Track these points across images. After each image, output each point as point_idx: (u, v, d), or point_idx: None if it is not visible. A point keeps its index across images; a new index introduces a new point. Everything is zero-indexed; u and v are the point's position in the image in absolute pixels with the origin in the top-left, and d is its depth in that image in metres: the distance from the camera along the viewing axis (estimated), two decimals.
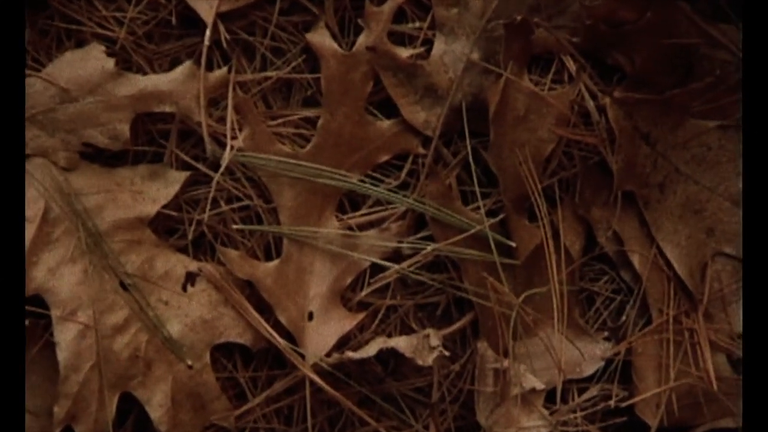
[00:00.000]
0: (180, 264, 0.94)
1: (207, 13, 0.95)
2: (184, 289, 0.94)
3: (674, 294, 0.98)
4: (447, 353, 0.91)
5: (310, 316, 0.96)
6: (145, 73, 0.95)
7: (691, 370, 0.97)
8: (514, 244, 0.95)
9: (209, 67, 0.96)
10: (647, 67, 0.95)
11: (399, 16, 0.97)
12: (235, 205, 0.97)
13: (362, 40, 0.96)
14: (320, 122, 0.96)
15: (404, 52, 0.97)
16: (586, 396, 0.99)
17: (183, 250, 0.96)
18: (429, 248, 0.96)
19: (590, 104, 0.97)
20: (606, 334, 1.00)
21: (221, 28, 0.96)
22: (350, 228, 0.97)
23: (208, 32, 0.95)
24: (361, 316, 0.97)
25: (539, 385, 0.95)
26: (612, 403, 0.98)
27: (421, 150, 0.98)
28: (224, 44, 0.96)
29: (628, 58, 0.97)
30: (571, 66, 0.98)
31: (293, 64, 0.98)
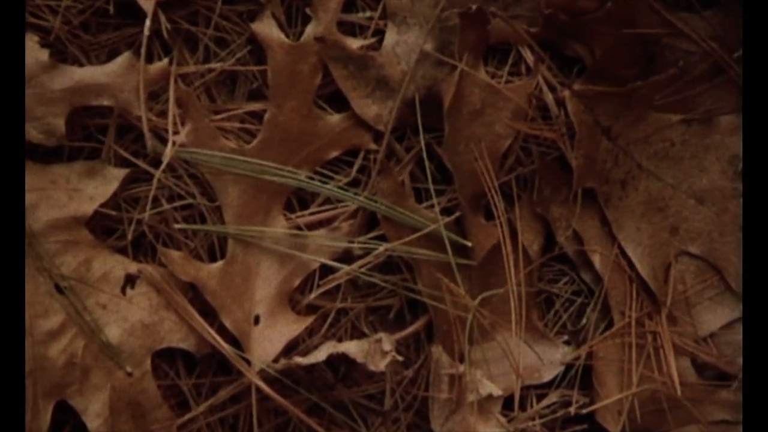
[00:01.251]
0: (119, 266, 0.96)
1: (146, 2, 0.97)
2: (124, 292, 0.96)
3: (636, 295, 1.01)
4: (400, 358, 0.93)
5: (257, 320, 0.98)
6: (81, 65, 0.97)
7: (654, 375, 0.99)
8: (469, 244, 0.98)
9: (149, 59, 0.98)
10: (608, 59, 0.98)
11: (349, 5, 1.00)
12: (177, 204, 0.99)
13: (310, 30, 0.98)
14: (267, 116, 0.98)
15: (355, 43, 0.99)
16: (545, 402, 1.01)
17: (122, 251, 0.98)
18: (381, 248, 0.98)
19: (549, 97, 0.99)
20: (566, 337, 1.02)
21: (162, 17, 0.97)
22: (298, 227, 0.99)
23: (147, 22, 0.96)
24: (310, 319, 0.99)
25: (496, 392, 0.97)
26: (572, 409, 1.01)
27: (372, 145, 1.00)
28: (165, 34, 0.98)
29: (588, 49, 1.00)
30: (529, 57, 1.00)
31: (238, 55, 1.00)
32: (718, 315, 1.01)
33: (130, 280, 0.96)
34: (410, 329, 1.01)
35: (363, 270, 0.99)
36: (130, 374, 0.95)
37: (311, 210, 1.00)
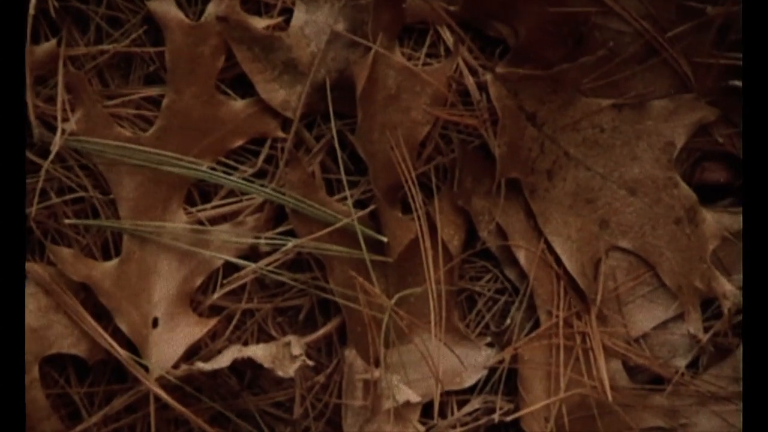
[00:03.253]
0: None
1: None
2: None
3: (564, 294, 1.04)
4: (311, 363, 0.96)
5: (155, 323, 1.00)
6: None
7: (584, 379, 1.03)
8: (385, 239, 1.01)
9: (35, 40, 0.99)
10: (533, 39, 1.00)
11: None
12: (68, 197, 1.01)
13: (212, 9, 1.00)
14: (165, 102, 1.01)
15: (260, 23, 1.01)
16: (466, 409, 1.04)
17: None
18: (290, 244, 1.01)
19: (470, 81, 1.02)
20: (489, 339, 1.05)
21: None
22: (200, 222, 1.02)
23: None
24: (213, 321, 1.01)
25: (414, 398, 1.00)
26: (496, 416, 1.04)
27: (280, 133, 1.03)
28: (53, 13, 0.98)
29: (511, 29, 1.03)
30: (448, 38, 1.03)
31: (133, 36, 1.02)
32: (651, 314, 1.05)
33: None
34: (321, 331, 1.04)
35: (270, 268, 1.02)
36: None
37: (214, 203, 1.03)
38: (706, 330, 1.04)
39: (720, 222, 1.04)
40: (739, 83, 1.00)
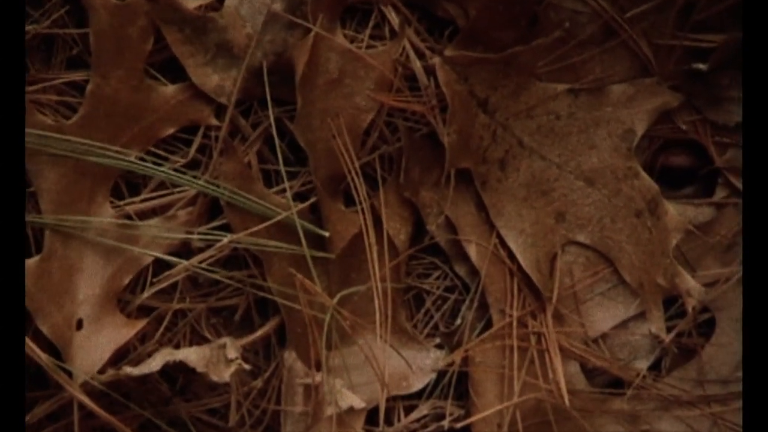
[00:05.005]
0: None
1: None
2: None
3: (518, 291, 1.06)
4: (247, 367, 0.97)
5: (79, 325, 1.02)
6: None
7: (539, 382, 1.05)
8: (327, 234, 1.03)
9: None
10: (484, 20, 1.02)
11: None
12: None
13: None
14: (89, 88, 1.02)
15: (191, 2, 1.02)
16: (414, 415, 1.06)
17: None
18: (225, 240, 1.02)
19: (417, 65, 1.04)
20: (438, 340, 1.07)
21: None
22: (128, 216, 1.04)
23: None
24: (141, 323, 1.03)
25: (358, 403, 1.01)
26: (445, 423, 1.06)
27: (213, 121, 1.04)
28: None
29: (461, 9, 1.04)
30: (394, 19, 1.05)
31: (54, 16, 1.03)
32: (610, 313, 1.07)
33: None
34: (259, 333, 1.06)
35: (204, 265, 1.03)
36: None
37: (143, 196, 1.05)
38: (668, 330, 1.06)
39: (683, 214, 1.06)
40: (702, 66, 1.02)
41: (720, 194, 1.07)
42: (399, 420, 1.06)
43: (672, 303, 1.07)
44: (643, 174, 1.05)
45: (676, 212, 1.06)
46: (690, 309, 1.05)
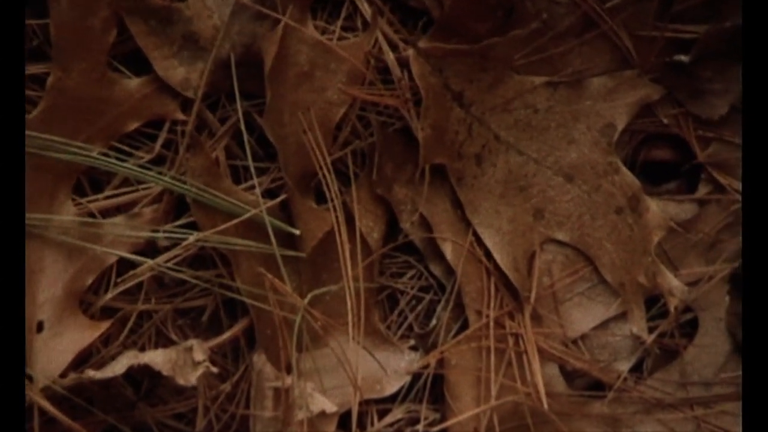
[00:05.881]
0: None
1: None
2: None
3: (495, 291, 1.07)
4: (215, 370, 0.97)
5: (40, 327, 1.02)
6: None
7: (517, 385, 1.06)
8: (298, 232, 1.03)
9: None
10: (459, 11, 1.03)
11: None
12: None
13: None
14: (50, 81, 1.02)
15: None
16: (388, 419, 1.07)
17: None
18: (192, 238, 1.03)
19: (390, 57, 1.05)
20: (412, 342, 1.08)
21: None
22: (91, 214, 1.04)
23: None
24: (105, 325, 1.03)
25: (330, 408, 1.01)
26: (420, 427, 1.07)
27: (180, 115, 1.05)
28: None
29: (435, 0, 1.05)
30: (366, 9, 1.06)
31: None
32: (590, 313, 1.08)
33: None
34: (227, 335, 1.06)
35: (170, 264, 1.04)
36: None
37: (106, 193, 1.05)
38: (650, 330, 1.07)
39: (665, 211, 1.07)
40: (684, 58, 1.03)
41: (703, 190, 1.08)
42: (372, 424, 1.07)
43: (654, 303, 1.08)
44: (624, 169, 1.06)
45: (657, 209, 1.06)
46: (672, 309, 1.06)
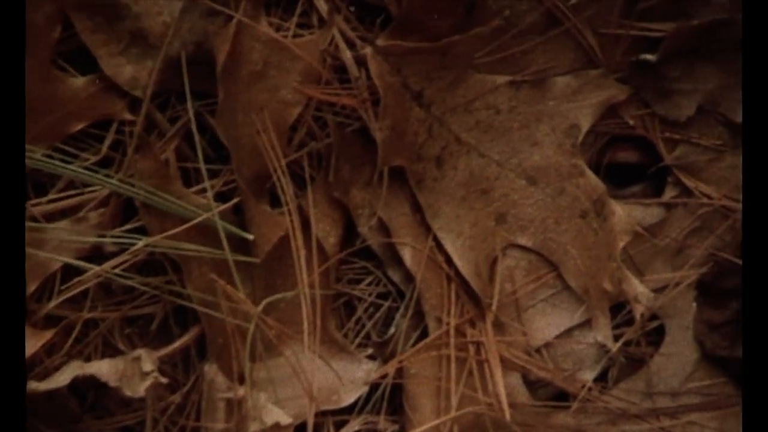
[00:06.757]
0: None
1: None
2: None
3: (456, 298, 1.07)
4: (164, 380, 0.97)
5: None
6: None
7: (478, 395, 1.06)
8: (251, 237, 1.03)
9: None
10: (418, 7, 1.02)
11: None
12: None
13: None
14: None
15: None
16: (345, 431, 1.06)
17: None
18: (140, 243, 1.02)
19: (347, 55, 1.05)
20: (370, 351, 1.08)
21: None
22: (34, 218, 1.03)
23: None
24: (49, 334, 1.02)
25: (285, 419, 1.01)
26: None
27: (127, 115, 1.04)
28: None
29: None
30: (322, 6, 1.06)
31: None
32: (554, 321, 1.08)
33: None
34: (177, 344, 1.06)
35: (117, 271, 1.03)
36: None
37: (51, 197, 1.04)
38: (615, 338, 1.08)
39: (631, 215, 1.08)
40: (651, 57, 1.04)
41: (669, 194, 1.09)
42: None
43: (619, 310, 1.08)
44: (589, 172, 1.07)
45: (623, 213, 1.07)
46: (638, 316, 1.07)
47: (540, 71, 1.06)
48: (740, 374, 1.05)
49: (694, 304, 1.07)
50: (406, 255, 1.06)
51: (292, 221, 1.04)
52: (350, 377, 1.06)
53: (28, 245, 1.01)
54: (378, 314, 1.09)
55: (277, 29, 1.05)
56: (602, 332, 1.07)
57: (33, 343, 1.01)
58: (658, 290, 1.07)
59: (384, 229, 1.07)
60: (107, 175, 1.03)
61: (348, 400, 1.06)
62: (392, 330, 1.08)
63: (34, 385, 0.97)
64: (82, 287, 1.04)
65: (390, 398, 1.07)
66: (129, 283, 1.04)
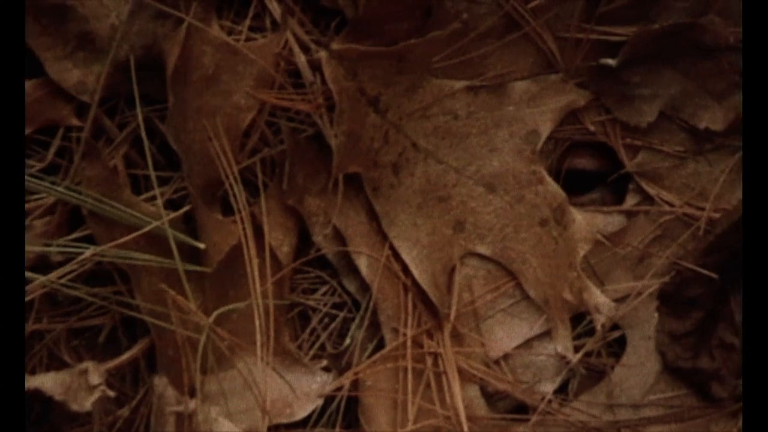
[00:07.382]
0: None
1: None
2: None
3: (413, 308, 1.07)
4: (112, 394, 0.97)
5: None
6: None
7: (436, 407, 1.06)
8: (202, 246, 1.03)
9: None
10: (374, 10, 1.02)
11: None
12: None
13: None
14: None
15: None
16: None
17: None
18: (87, 253, 1.02)
19: (301, 59, 1.05)
20: (325, 362, 1.08)
21: None
22: None
23: None
24: None
25: None
26: None
27: (74, 121, 1.04)
28: None
29: None
30: (275, 8, 1.06)
31: None
32: (513, 331, 1.08)
33: None
34: (126, 356, 1.06)
35: (64, 281, 1.03)
36: None
37: None
38: (576, 349, 1.08)
39: (592, 223, 1.08)
40: (611, 62, 1.04)
41: (631, 201, 1.09)
42: None
43: (579, 320, 1.09)
44: (549, 179, 1.07)
45: (583, 221, 1.07)
46: (599, 326, 1.07)
47: (499, 76, 1.06)
48: (701, 386, 1.05)
49: (656, 314, 1.07)
50: (362, 264, 1.06)
51: (244, 229, 1.04)
52: (304, 390, 1.06)
53: None
54: (333, 325, 1.09)
55: (229, 32, 1.05)
56: (562, 343, 1.07)
57: None
58: (619, 300, 1.07)
59: (339, 237, 1.07)
60: (53, 183, 1.02)
61: (302, 413, 1.06)
62: (348, 341, 1.08)
63: None
64: (27, 298, 1.03)
65: (345, 411, 1.07)
66: (76, 293, 1.03)
